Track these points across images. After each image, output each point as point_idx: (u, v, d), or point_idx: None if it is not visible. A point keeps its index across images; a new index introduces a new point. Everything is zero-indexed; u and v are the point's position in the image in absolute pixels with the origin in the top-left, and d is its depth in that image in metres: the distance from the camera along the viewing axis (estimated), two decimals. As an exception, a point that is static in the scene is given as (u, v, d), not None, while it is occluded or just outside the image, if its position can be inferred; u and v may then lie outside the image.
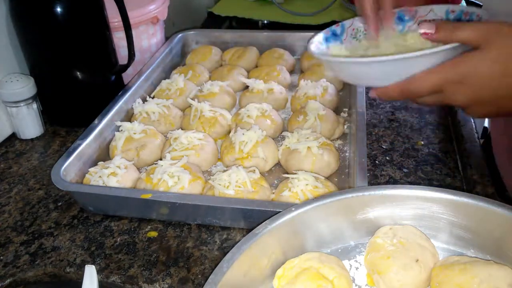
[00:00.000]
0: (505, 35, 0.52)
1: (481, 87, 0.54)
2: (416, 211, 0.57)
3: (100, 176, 0.74)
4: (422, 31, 0.57)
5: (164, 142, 0.86)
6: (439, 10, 0.67)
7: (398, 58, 0.55)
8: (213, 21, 1.48)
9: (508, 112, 0.57)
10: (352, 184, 0.72)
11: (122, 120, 0.89)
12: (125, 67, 0.98)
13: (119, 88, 0.97)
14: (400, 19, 0.70)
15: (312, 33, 0.70)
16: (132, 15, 0.96)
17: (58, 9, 0.85)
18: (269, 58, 1.12)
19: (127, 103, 0.93)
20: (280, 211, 0.55)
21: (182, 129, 0.90)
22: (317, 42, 0.68)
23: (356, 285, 0.57)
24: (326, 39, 0.69)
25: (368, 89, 1.02)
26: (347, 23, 0.71)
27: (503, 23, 0.53)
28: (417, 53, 0.54)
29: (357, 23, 0.71)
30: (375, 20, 0.70)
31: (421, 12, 0.68)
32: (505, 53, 0.52)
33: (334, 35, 0.71)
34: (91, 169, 0.77)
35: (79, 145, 0.79)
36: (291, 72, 1.12)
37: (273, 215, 0.54)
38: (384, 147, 0.87)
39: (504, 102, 0.55)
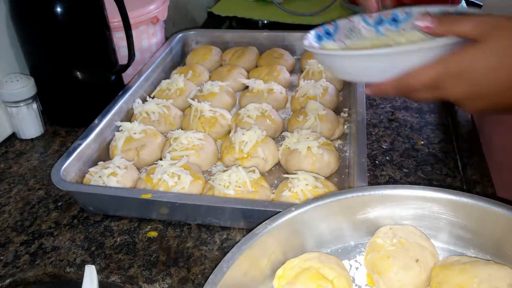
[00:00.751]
0: (502, 29, 0.52)
1: (478, 81, 0.54)
2: (416, 211, 0.57)
3: (100, 176, 0.74)
4: (421, 24, 0.56)
5: (164, 142, 0.86)
6: (434, 11, 0.66)
7: (394, 51, 0.55)
8: (213, 21, 1.48)
9: (505, 107, 0.57)
10: (352, 184, 0.72)
11: (122, 120, 0.89)
12: (125, 67, 0.98)
13: (119, 88, 0.97)
14: (394, 20, 0.70)
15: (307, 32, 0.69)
16: (132, 15, 0.96)
17: (58, 9, 0.85)
18: (269, 58, 1.12)
19: (127, 103, 0.93)
20: (280, 211, 0.55)
21: (182, 129, 0.90)
22: (311, 39, 0.67)
23: (356, 285, 0.57)
24: (319, 37, 0.69)
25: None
26: (340, 22, 0.71)
27: (501, 17, 0.53)
28: (415, 46, 0.54)
29: (350, 23, 0.71)
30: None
31: (416, 13, 0.68)
32: (502, 46, 0.52)
33: (327, 33, 0.70)
34: (91, 169, 0.77)
35: (79, 145, 0.79)
36: (291, 72, 1.12)
37: (273, 215, 0.54)
38: (384, 147, 0.87)
39: (501, 97, 0.55)
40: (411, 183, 0.78)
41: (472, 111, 0.59)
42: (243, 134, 0.80)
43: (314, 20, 1.39)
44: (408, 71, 0.56)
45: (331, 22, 0.71)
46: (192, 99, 0.94)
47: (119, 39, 1.00)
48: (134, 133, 0.83)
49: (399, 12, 0.69)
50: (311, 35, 0.68)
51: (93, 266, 0.60)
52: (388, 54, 0.55)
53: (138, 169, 0.82)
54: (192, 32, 1.22)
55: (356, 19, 0.71)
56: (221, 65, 1.15)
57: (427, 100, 0.61)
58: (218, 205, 0.68)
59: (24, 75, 0.91)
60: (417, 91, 0.58)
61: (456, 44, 0.54)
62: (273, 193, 0.74)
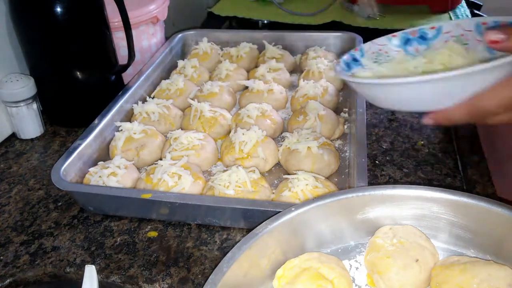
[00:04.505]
0: None
1: None
2: (416, 211, 0.57)
3: (100, 176, 0.74)
4: (490, 38, 0.50)
5: (164, 142, 0.86)
6: (467, 25, 0.60)
7: (463, 73, 0.47)
8: (213, 21, 1.48)
9: None
10: (352, 184, 0.72)
11: (122, 120, 0.89)
12: (125, 67, 0.98)
13: (119, 88, 0.97)
14: (423, 38, 0.64)
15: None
16: (132, 15, 0.96)
17: (58, 9, 0.85)
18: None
19: (127, 103, 0.93)
20: (280, 211, 0.55)
21: (182, 129, 0.90)
22: (341, 68, 0.61)
23: (356, 285, 0.57)
24: (348, 65, 0.63)
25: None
26: (365, 46, 0.65)
27: None
28: (487, 65, 0.47)
29: (375, 46, 0.65)
30: None
31: (446, 28, 0.62)
32: None
33: (355, 60, 0.64)
34: (91, 169, 0.77)
35: (79, 145, 0.79)
36: (291, 72, 1.12)
37: (273, 215, 0.54)
38: (384, 147, 0.87)
39: None
40: (411, 183, 0.78)
41: None
42: (243, 134, 0.80)
43: (314, 20, 1.39)
44: (479, 93, 0.50)
45: (356, 48, 0.65)
46: (192, 99, 0.94)
47: (119, 39, 1.00)
48: (134, 133, 0.83)
49: (427, 29, 0.63)
50: (341, 63, 0.62)
51: (93, 266, 0.60)
52: (457, 77, 0.48)
53: (138, 169, 0.82)
54: (192, 32, 1.22)
55: (381, 41, 0.65)
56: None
57: (503, 123, 0.54)
58: (218, 205, 0.68)
59: (24, 75, 0.91)
60: (493, 114, 0.51)
61: None
62: (273, 193, 0.74)
